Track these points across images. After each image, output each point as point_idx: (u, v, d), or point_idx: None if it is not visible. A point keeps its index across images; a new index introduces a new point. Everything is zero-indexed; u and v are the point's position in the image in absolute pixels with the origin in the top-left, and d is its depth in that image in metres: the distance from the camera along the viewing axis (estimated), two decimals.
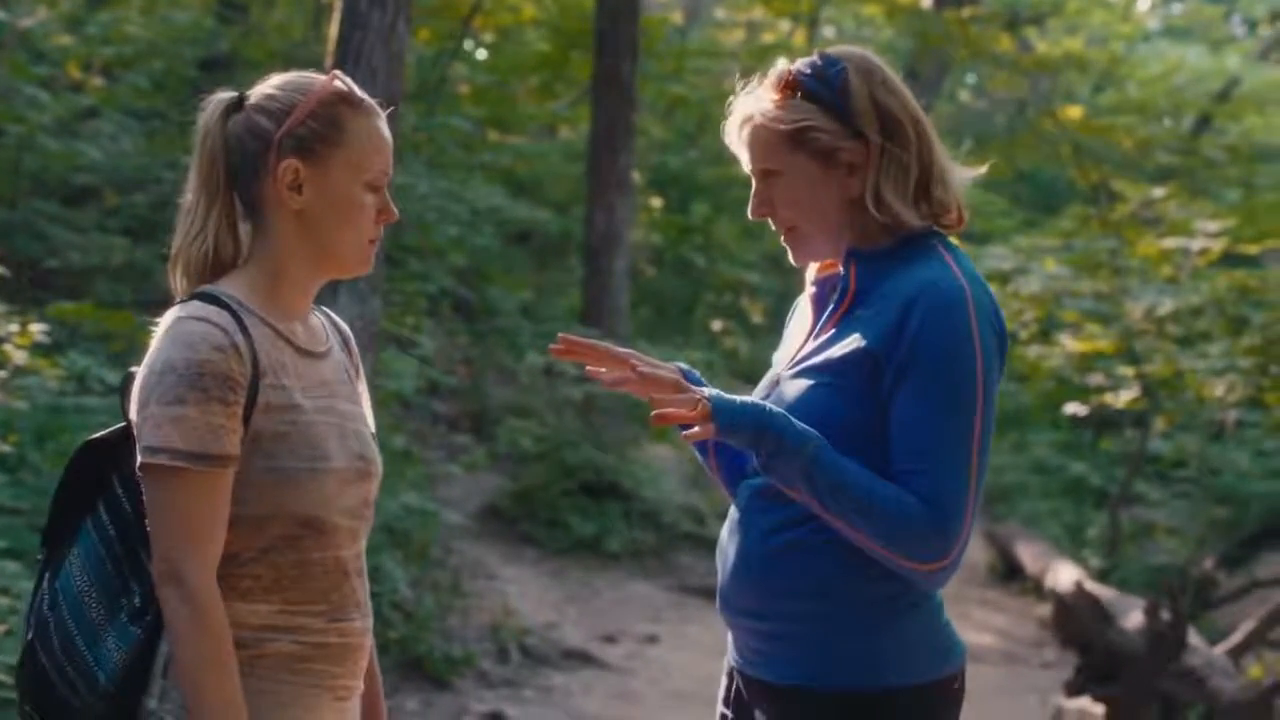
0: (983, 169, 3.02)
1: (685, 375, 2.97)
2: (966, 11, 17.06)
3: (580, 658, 9.41)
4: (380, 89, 7.59)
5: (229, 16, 14.45)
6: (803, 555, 2.86)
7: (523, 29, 18.10)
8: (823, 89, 2.91)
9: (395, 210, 2.83)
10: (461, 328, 14.23)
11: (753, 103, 2.97)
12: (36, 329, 6.43)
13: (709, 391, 2.84)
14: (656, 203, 19.09)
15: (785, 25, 23.46)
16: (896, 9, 19.76)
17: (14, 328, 6.40)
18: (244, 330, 2.67)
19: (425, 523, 9.26)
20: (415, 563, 9.02)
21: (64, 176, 11.31)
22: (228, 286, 2.76)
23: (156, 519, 2.62)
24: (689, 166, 19.31)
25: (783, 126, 2.91)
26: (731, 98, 3.02)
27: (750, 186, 3.01)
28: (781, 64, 2.97)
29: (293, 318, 2.82)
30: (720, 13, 25.11)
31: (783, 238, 3.01)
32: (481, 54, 18.46)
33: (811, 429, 2.80)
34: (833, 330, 2.90)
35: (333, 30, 8.49)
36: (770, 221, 3.01)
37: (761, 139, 2.95)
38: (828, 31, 25.16)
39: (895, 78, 2.95)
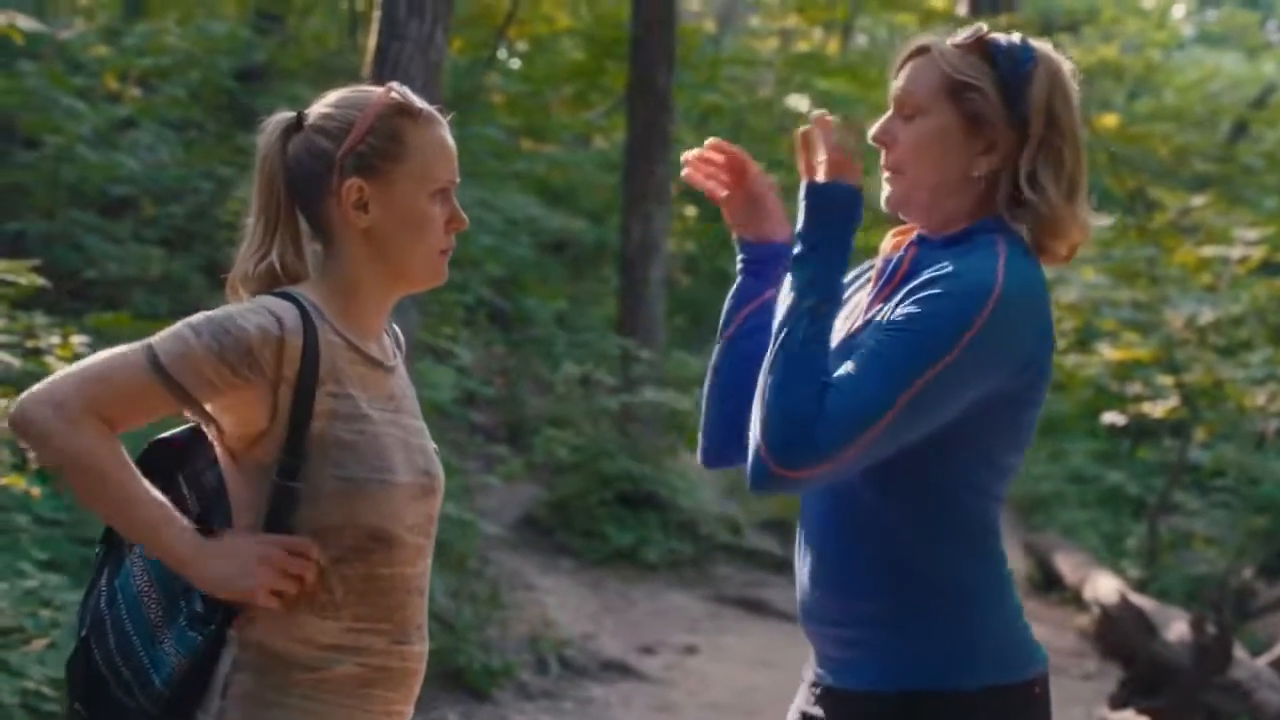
0: (1108, 220, 2.99)
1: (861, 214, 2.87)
2: (1002, 19, 16.98)
3: (619, 669, 9.38)
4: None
5: (265, 27, 14.48)
6: (873, 559, 2.82)
7: (557, 38, 18.10)
8: (1008, 65, 2.84)
9: (464, 217, 2.80)
10: (498, 337, 14.23)
11: (936, 39, 2.91)
12: (78, 340, 6.41)
13: (857, 184, 2.81)
14: (691, 212, 19.06)
15: (819, 33, 23.46)
16: (931, 17, 19.71)
17: (55, 339, 6.38)
18: (309, 329, 2.65)
19: (464, 533, 9.24)
20: (454, 573, 9.00)
21: (101, 187, 11.33)
22: (305, 291, 2.74)
23: (85, 364, 2.61)
24: None
25: (951, 72, 2.85)
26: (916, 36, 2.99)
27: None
28: (979, 25, 2.91)
29: (367, 334, 2.79)
30: (754, 21, 25.10)
31: (885, 175, 2.93)
32: (515, 63, 18.48)
33: (842, 293, 2.81)
34: (877, 307, 2.86)
35: (371, 41, 8.49)
36: (882, 153, 2.93)
37: (924, 73, 2.88)
38: (861, 40, 25.15)
39: (1075, 95, 2.90)
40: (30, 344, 6.31)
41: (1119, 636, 9.52)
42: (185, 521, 2.64)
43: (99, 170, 10.95)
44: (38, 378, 6.16)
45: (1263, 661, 8.62)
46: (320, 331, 2.67)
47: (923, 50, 2.91)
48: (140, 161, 11.27)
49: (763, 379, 2.75)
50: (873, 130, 2.93)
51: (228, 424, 2.66)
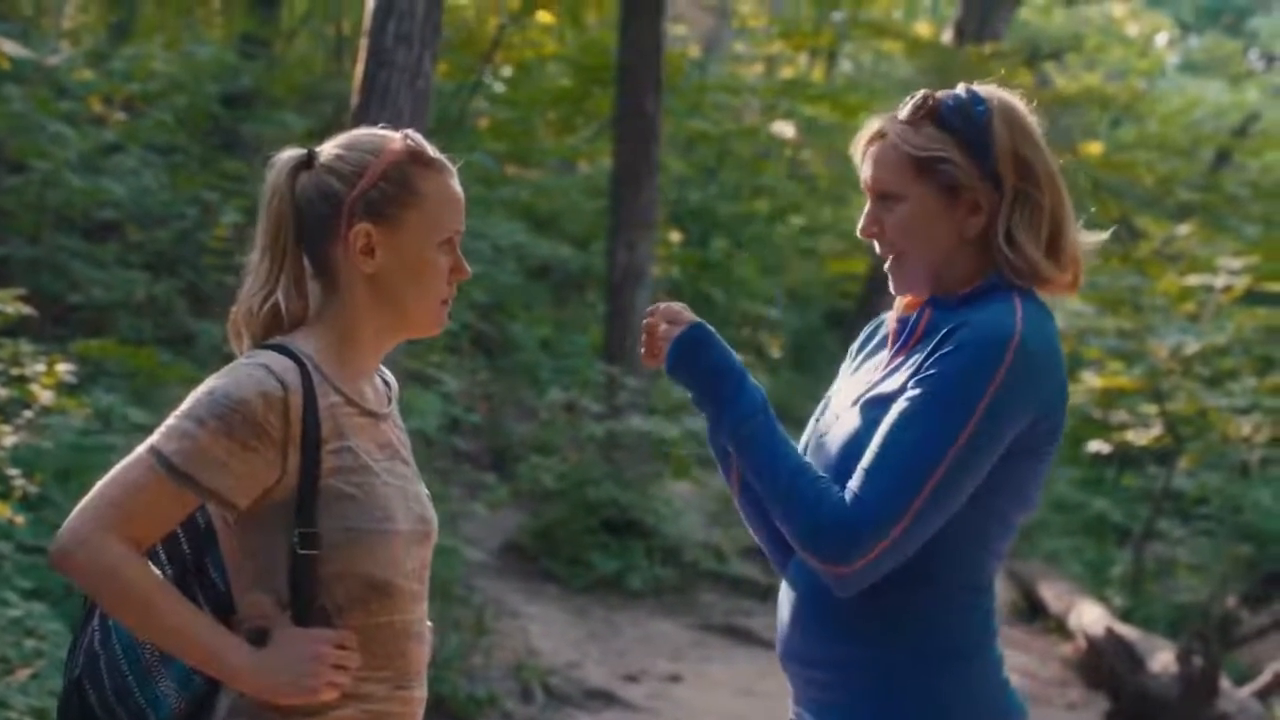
0: (1104, 235, 2.99)
1: (697, 333, 2.89)
2: (987, 47, 17.04)
3: (603, 698, 9.35)
4: (405, 128, 7.58)
5: (251, 52, 14.47)
6: (860, 604, 2.80)
7: (543, 63, 18.11)
8: (964, 125, 2.86)
9: (468, 268, 2.79)
10: (482, 364, 14.20)
11: (889, 121, 2.92)
12: (63, 368, 6.39)
13: (685, 332, 2.87)
14: (675, 237, 19.07)
15: (804, 60, 23.49)
16: (916, 44, 19.76)
17: (40, 367, 6.37)
18: (308, 391, 2.64)
19: (448, 560, 9.20)
20: (438, 601, 8.96)
21: (86, 211, 11.31)
22: (301, 342, 2.71)
23: (100, 490, 2.60)
24: (708, 201, 19.29)
25: (914, 151, 2.86)
26: (870, 115, 2.99)
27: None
28: (923, 92, 2.92)
29: (360, 377, 2.78)
30: (740, 47, 25.13)
31: (887, 264, 2.95)
32: (499, 87, 18.49)
33: (760, 401, 2.83)
34: (893, 366, 2.88)
35: (358, 68, 8.48)
36: (875, 244, 2.96)
37: (889, 159, 2.90)
38: (846, 66, 25.19)
39: (1036, 129, 2.90)
40: (15, 372, 6.30)
41: (1105, 668, 9.52)
42: (231, 635, 2.62)
43: (84, 195, 10.92)
44: (24, 406, 6.15)
45: (1247, 692, 8.62)
46: (319, 392, 2.66)
47: (879, 135, 2.92)
48: (126, 186, 11.25)
49: (772, 514, 2.82)
50: (860, 225, 2.96)
51: (240, 496, 2.62)
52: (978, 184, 2.85)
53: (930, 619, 2.80)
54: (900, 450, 2.71)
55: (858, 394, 2.92)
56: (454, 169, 2.80)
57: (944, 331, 2.78)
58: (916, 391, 2.74)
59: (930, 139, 2.86)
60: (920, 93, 2.92)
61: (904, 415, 2.73)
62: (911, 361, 2.82)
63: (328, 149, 2.78)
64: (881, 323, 3.06)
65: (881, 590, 2.78)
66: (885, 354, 2.97)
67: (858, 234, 2.99)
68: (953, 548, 2.79)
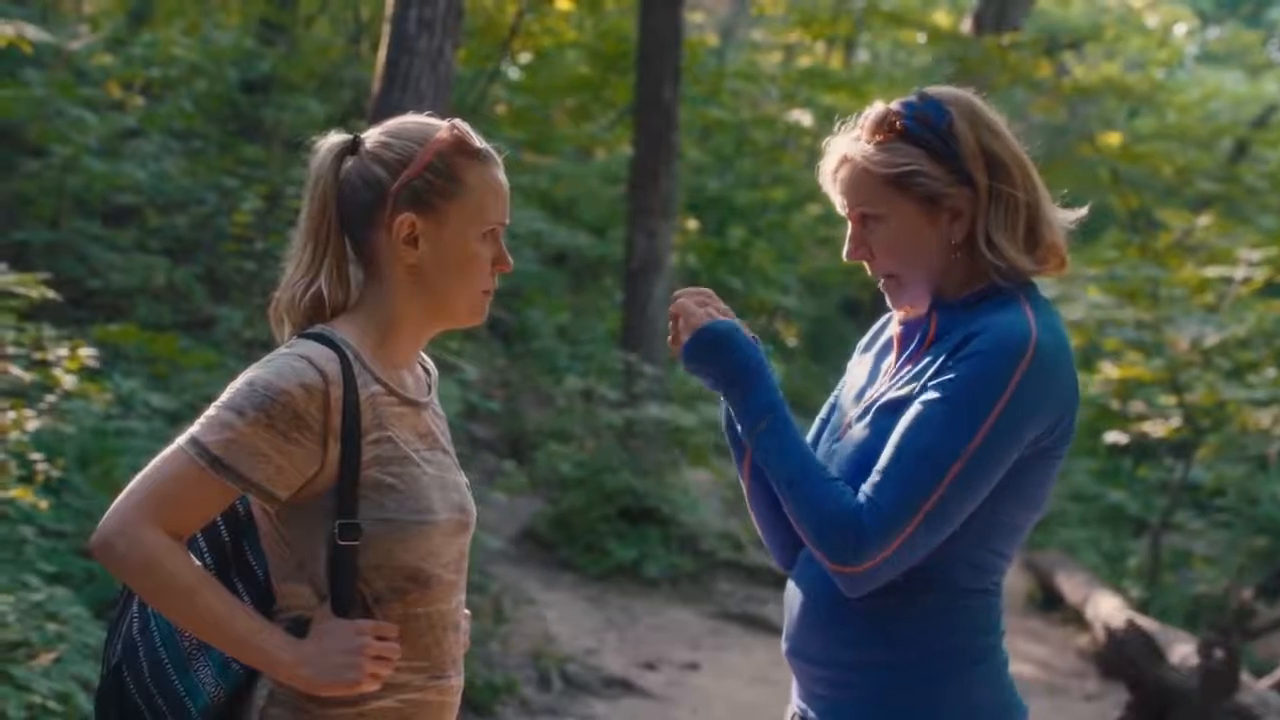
0: (1082, 211, 2.95)
1: (732, 332, 2.88)
2: (1005, 37, 16.99)
3: (621, 685, 9.35)
4: (427, 113, 7.59)
5: (269, 37, 14.46)
6: (868, 606, 2.80)
7: (562, 51, 18.10)
8: (928, 133, 2.83)
9: (510, 259, 2.77)
10: (500, 351, 14.21)
11: (851, 144, 2.89)
12: (86, 353, 6.39)
13: (701, 332, 2.85)
14: (693, 225, 19.07)
15: (822, 48, 23.47)
16: (935, 34, 19.73)
17: (63, 351, 6.37)
18: (349, 381, 2.63)
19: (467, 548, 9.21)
20: None
21: (106, 196, 11.32)
22: (342, 331, 2.70)
23: (140, 480, 2.60)
24: (726, 189, 19.29)
25: (886, 170, 2.83)
26: (827, 138, 2.95)
27: (829, 218, 3.00)
28: (879, 105, 2.90)
29: (401, 366, 2.77)
30: (758, 35, 25.11)
31: (880, 283, 2.94)
32: (514, 73, 18.48)
33: (776, 400, 2.82)
34: (906, 372, 2.86)
35: (380, 54, 8.49)
36: (866, 266, 2.94)
37: (862, 182, 2.86)
38: (863, 55, 25.17)
39: (998, 120, 2.88)
40: (39, 355, 6.30)
41: (1124, 659, 9.49)
42: (272, 627, 2.62)
43: (104, 180, 10.93)
44: (47, 390, 6.15)
45: (1265, 684, 8.60)
46: (360, 382, 2.65)
47: (845, 161, 2.89)
48: (145, 171, 11.26)
49: (786, 509, 2.81)
50: (846, 251, 2.94)
51: (281, 487, 2.62)
52: (954, 189, 2.82)
53: (938, 621, 2.80)
54: (914, 454, 2.70)
55: (869, 401, 2.90)
56: (499, 160, 2.78)
57: (959, 337, 2.77)
58: (932, 396, 2.73)
59: (898, 154, 2.83)
60: (876, 109, 2.89)
61: (919, 419, 2.72)
62: (924, 367, 2.81)
63: (374, 135, 2.76)
64: (890, 321, 3.05)
65: (889, 592, 2.77)
66: (892, 359, 2.96)
67: (844, 259, 2.97)
68: (961, 550, 2.78)
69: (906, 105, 2.87)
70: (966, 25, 19.45)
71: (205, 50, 13.36)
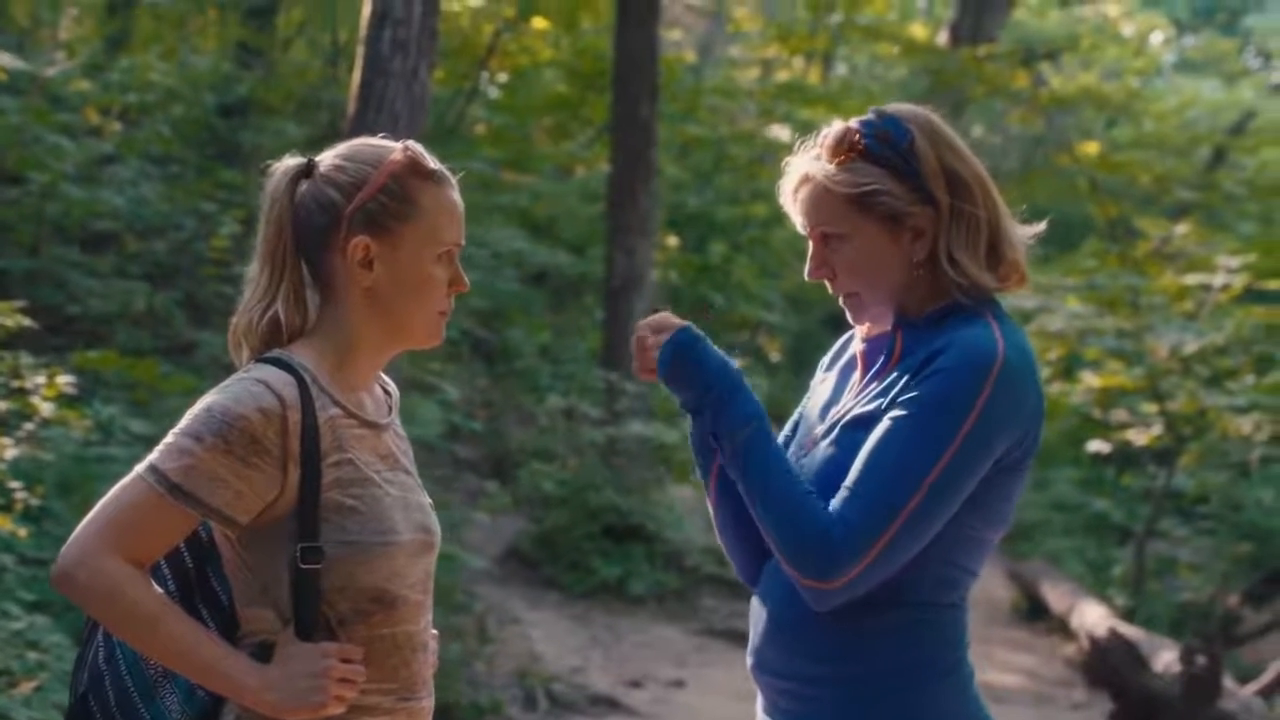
0: (1040, 227, 2.96)
1: (685, 337, 2.86)
2: (982, 49, 17.06)
3: (607, 703, 9.35)
4: (402, 135, 7.59)
5: (247, 61, 14.47)
6: (833, 620, 2.80)
7: (539, 70, 18.12)
8: (890, 151, 2.83)
9: (466, 280, 2.77)
10: (481, 371, 14.21)
11: (812, 163, 2.88)
12: (64, 380, 6.39)
13: (674, 338, 2.84)
14: (673, 242, 19.08)
15: (800, 63, 23.50)
16: (912, 47, 19.78)
17: (41, 379, 6.37)
18: (307, 405, 2.63)
19: (449, 568, 9.20)
20: (439, 608, 8.95)
21: (84, 223, 11.31)
22: (299, 354, 2.70)
23: (100, 510, 2.59)
24: (706, 206, 19.31)
25: (849, 189, 2.83)
26: (787, 158, 2.95)
27: (780, 237, 2.97)
28: (838, 124, 2.90)
29: (359, 388, 2.77)
30: (735, 51, 25.15)
31: (842, 300, 2.94)
32: (492, 93, 18.49)
33: (755, 409, 2.81)
34: (872, 389, 2.86)
35: (355, 76, 8.49)
36: (828, 284, 2.94)
37: (824, 201, 2.86)
38: (841, 69, 25.21)
39: (957, 138, 2.88)
40: (16, 384, 6.30)
41: (1108, 668, 9.50)
42: (236, 653, 2.62)
43: (82, 206, 10.92)
44: (24, 418, 6.14)
45: (1250, 690, 8.62)
46: (318, 405, 2.65)
47: (805, 180, 2.89)
48: (123, 197, 11.25)
49: (758, 522, 2.80)
50: (807, 271, 2.93)
51: (241, 512, 2.62)
52: (916, 208, 2.82)
53: (904, 635, 2.80)
54: (884, 470, 2.70)
55: (835, 417, 2.90)
56: (454, 180, 2.78)
57: (926, 353, 2.77)
58: (901, 413, 2.73)
59: (860, 174, 2.83)
60: (835, 128, 2.88)
61: (888, 435, 2.72)
62: (890, 383, 2.81)
63: (327, 158, 2.76)
64: (852, 338, 3.04)
65: (856, 606, 2.77)
66: (857, 376, 2.96)
67: (805, 278, 2.96)
68: (927, 566, 2.78)
69: (866, 124, 2.86)
70: (943, 38, 19.53)
71: (182, 75, 13.38)
